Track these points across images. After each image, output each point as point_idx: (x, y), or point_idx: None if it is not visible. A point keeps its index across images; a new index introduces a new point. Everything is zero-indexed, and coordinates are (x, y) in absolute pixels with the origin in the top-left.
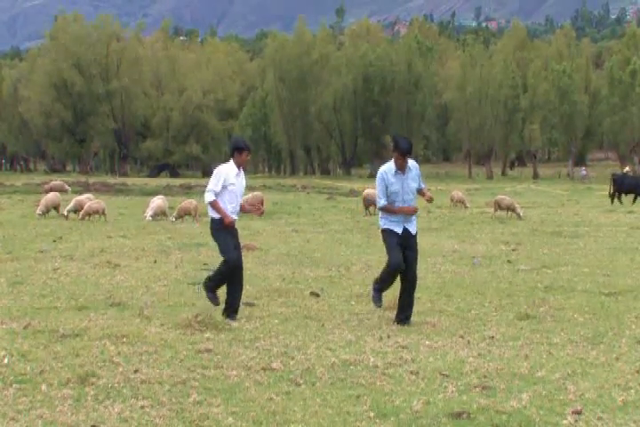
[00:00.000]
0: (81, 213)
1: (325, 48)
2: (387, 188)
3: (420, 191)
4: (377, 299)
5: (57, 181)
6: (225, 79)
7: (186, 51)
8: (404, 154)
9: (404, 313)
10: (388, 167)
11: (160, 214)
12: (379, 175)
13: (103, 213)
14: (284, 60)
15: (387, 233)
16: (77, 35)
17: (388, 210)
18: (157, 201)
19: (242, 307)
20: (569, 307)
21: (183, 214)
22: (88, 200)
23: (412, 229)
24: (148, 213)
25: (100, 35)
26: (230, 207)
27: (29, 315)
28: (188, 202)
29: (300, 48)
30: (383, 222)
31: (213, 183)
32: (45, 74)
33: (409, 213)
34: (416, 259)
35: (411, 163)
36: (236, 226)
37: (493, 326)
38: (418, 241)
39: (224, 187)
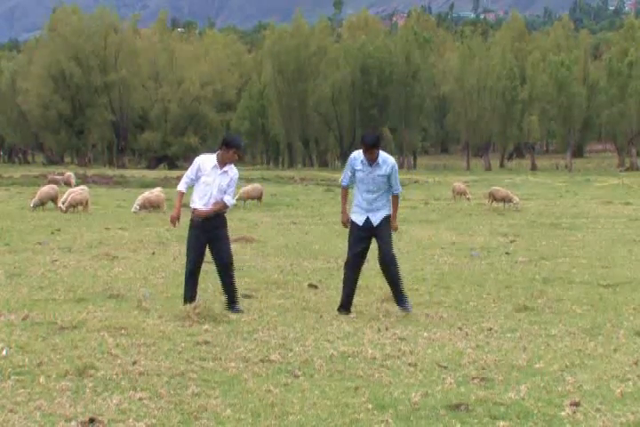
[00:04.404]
0: (64, 204)
1: (323, 40)
2: (354, 172)
3: (393, 203)
4: (341, 307)
5: (67, 173)
6: (223, 71)
7: (184, 42)
8: (367, 147)
9: (395, 297)
10: (360, 153)
11: (149, 207)
12: (350, 157)
13: (86, 205)
14: (283, 51)
15: (350, 224)
16: (75, 26)
17: (341, 196)
18: (145, 193)
19: (240, 299)
20: (567, 298)
21: (149, 206)
22: (85, 192)
23: (376, 219)
24: (136, 204)
25: (99, 26)
26: (202, 199)
27: (27, 307)
28: (156, 195)
29: (299, 40)
30: (352, 207)
31: (188, 171)
32: (43, 66)
33: (343, 221)
34: (388, 243)
35: (383, 159)
36: (202, 216)
37: (492, 317)
38: (415, 233)
39: (198, 177)
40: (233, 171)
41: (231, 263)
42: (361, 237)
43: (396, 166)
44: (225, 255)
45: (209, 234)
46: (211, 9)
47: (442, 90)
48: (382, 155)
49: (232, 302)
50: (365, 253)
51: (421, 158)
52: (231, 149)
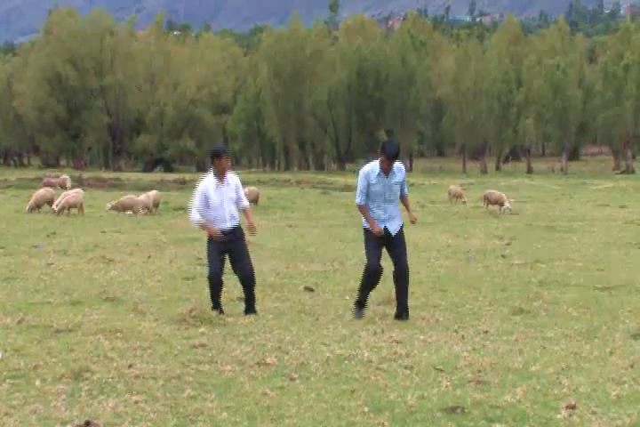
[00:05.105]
0: (58, 206)
1: (320, 43)
2: (368, 187)
3: (405, 202)
4: (356, 311)
5: (63, 176)
6: (219, 74)
7: (180, 45)
8: (389, 158)
9: (401, 306)
10: (373, 167)
11: (144, 209)
12: (361, 173)
13: (81, 208)
14: (279, 54)
15: (366, 233)
16: (71, 29)
17: (363, 212)
18: (142, 196)
19: (236, 302)
20: (563, 301)
21: (122, 209)
22: (79, 195)
23: (393, 227)
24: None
25: (94, 29)
26: (217, 219)
27: (23, 310)
28: (129, 198)
29: (295, 43)
30: (364, 220)
31: (194, 201)
32: (39, 69)
33: (376, 233)
34: (404, 253)
35: (397, 166)
36: (234, 234)
37: (487, 320)
38: (411, 236)
39: (206, 202)
40: (234, 179)
41: (252, 275)
42: (379, 242)
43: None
44: (244, 269)
45: (229, 245)
46: (207, 12)
47: (438, 93)
48: (395, 164)
49: (251, 308)
50: (380, 258)
51: (417, 161)
52: (222, 158)
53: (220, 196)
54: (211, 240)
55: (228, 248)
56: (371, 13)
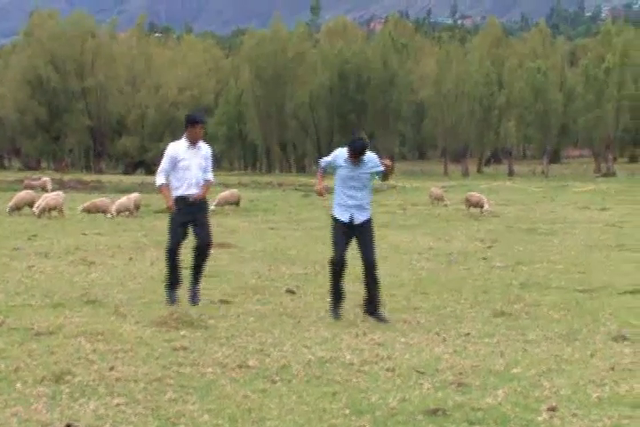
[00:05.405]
0: (38, 209)
1: (301, 45)
2: (335, 167)
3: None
4: (332, 312)
5: (43, 178)
6: (201, 76)
7: (161, 48)
8: (355, 154)
9: (371, 303)
10: (343, 152)
11: (124, 211)
12: (336, 152)
13: (61, 210)
14: (261, 57)
15: (333, 222)
16: (52, 31)
17: (318, 172)
18: (122, 198)
19: (217, 304)
20: (544, 304)
21: (94, 211)
22: (59, 198)
23: (360, 217)
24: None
25: (76, 31)
26: (183, 184)
27: (4, 313)
28: (101, 200)
29: (276, 45)
30: (333, 206)
31: (162, 164)
32: (20, 71)
33: (317, 188)
34: (370, 245)
35: (368, 157)
36: (199, 199)
37: (469, 322)
38: (392, 238)
39: (175, 165)
40: (205, 147)
41: (210, 245)
42: (346, 232)
43: (378, 159)
44: (206, 237)
45: (192, 216)
46: (188, 14)
47: (419, 95)
48: (366, 155)
49: (196, 282)
50: (347, 249)
51: (399, 164)
52: (198, 125)
53: (189, 159)
54: (176, 211)
55: (193, 218)
56: (352, 16)
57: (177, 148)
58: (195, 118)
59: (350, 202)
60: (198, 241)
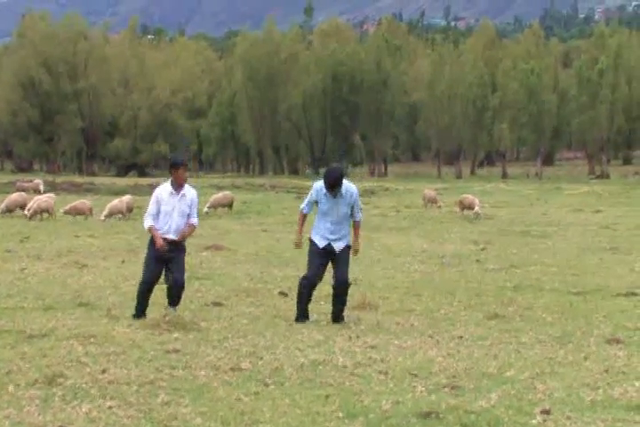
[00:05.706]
0: (30, 211)
1: (294, 47)
2: (316, 201)
3: (355, 228)
4: (299, 317)
5: (36, 180)
6: (193, 78)
7: (154, 49)
8: (330, 186)
9: (334, 314)
10: (322, 185)
11: (116, 213)
12: (314, 186)
13: (51, 212)
14: (254, 58)
15: (311, 245)
16: (45, 33)
17: (298, 220)
18: (114, 201)
19: (210, 307)
20: (537, 306)
21: (75, 214)
22: (50, 200)
23: (338, 246)
24: (104, 212)
25: (68, 33)
26: (163, 227)
27: None
28: (81, 202)
29: (270, 47)
30: (312, 232)
31: (149, 206)
32: (12, 72)
33: (296, 241)
34: (345, 264)
35: (347, 189)
36: (176, 245)
37: (462, 325)
38: (385, 241)
39: (158, 208)
40: (191, 192)
41: (183, 286)
42: (321, 254)
43: (358, 193)
44: (180, 278)
45: (168, 255)
46: (181, 16)
47: (413, 97)
48: (345, 184)
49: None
50: (323, 272)
51: (392, 166)
52: (179, 168)
53: (171, 205)
54: (152, 247)
55: (169, 258)
56: (346, 17)
57: (161, 192)
58: (175, 162)
59: (330, 236)
60: (171, 282)
